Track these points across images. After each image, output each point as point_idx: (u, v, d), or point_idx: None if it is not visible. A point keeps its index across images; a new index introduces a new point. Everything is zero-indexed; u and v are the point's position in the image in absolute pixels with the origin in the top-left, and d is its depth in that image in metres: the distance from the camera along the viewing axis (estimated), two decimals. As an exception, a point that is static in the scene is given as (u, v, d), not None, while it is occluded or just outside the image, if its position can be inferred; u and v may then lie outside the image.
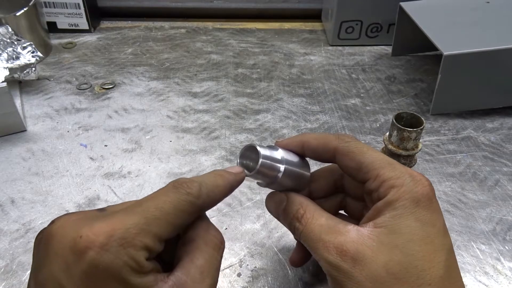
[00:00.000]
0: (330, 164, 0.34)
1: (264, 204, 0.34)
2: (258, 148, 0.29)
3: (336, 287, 0.27)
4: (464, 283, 0.27)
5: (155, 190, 0.25)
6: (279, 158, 0.30)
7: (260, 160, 0.29)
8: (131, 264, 0.21)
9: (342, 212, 0.36)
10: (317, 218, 0.29)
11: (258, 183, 0.31)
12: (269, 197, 0.33)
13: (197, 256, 0.25)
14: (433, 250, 0.26)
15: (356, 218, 0.35)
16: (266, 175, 0.30)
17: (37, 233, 0.24)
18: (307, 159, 0.33)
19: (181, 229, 0.25)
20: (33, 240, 0.40)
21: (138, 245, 0.22)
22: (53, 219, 0.23)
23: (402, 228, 0.26)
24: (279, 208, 0.32)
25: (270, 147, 0.31)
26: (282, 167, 0.30)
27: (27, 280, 0.37)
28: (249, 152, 0.31)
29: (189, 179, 0.26)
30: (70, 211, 0.43)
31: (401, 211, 0.26)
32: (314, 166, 0.46)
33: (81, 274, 0.21)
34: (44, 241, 0.23)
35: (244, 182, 0.48)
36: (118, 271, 0.21)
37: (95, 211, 0.24)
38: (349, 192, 0.34)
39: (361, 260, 0.25)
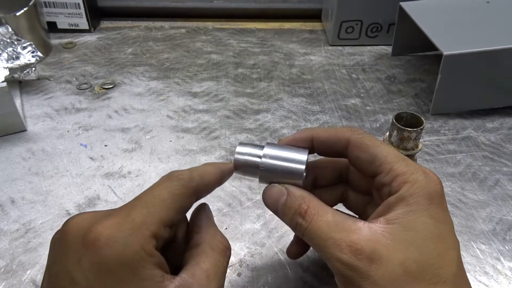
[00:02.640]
0: None
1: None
2: (238, 146, 0.31)
3: (348, 287, 0.26)
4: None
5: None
6: (260, 154, 0.31)
7: (235, 155, 0.31)
8: (140, 253, 0.22)
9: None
10: (323, 214, 0.27)
11: (259, 181, 0.32)
12: (267, 189, 0.31)
13: (203, 260, 0.25)
14: (447, 248, 0.25)
15: (356, 212, 0.34)
16: (246, 170, 0.31)
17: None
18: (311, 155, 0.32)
19: (182, 213, 0.26)
20: (33, 240, 0.41)
21: (145, 233, 0.23)
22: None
23: (417, 225, 0.25)
24: (278, 202, 0.29)
25: (256, 145, 0.32)
26: (261, 163, 0.30)
27: (27, 280, 0.37)
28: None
29: (179, 170, 0.27)
30: (71, 211, 0.43)
31: (415, 207, 0.26)
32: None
33: (91, 265, 0.21)
34: (59, 239, 0.24)
35: (245, 182, 0.48)
36: (128, 260, 0.22)
37: (106, 211, 0.25)
38: (353, 184, 0.33)
39: (377, 259, 0.25)
